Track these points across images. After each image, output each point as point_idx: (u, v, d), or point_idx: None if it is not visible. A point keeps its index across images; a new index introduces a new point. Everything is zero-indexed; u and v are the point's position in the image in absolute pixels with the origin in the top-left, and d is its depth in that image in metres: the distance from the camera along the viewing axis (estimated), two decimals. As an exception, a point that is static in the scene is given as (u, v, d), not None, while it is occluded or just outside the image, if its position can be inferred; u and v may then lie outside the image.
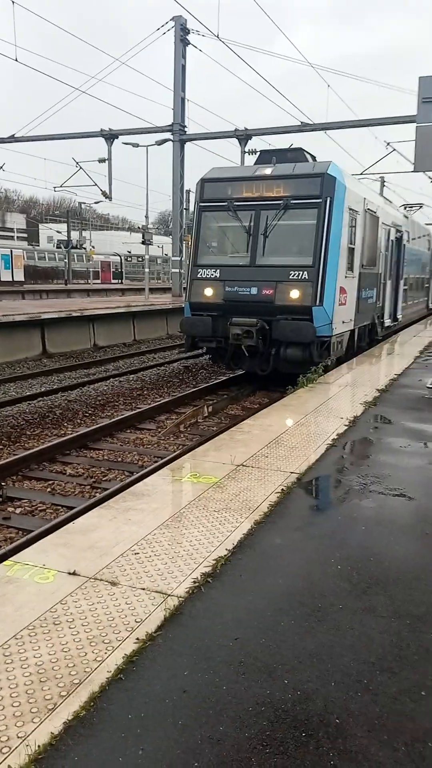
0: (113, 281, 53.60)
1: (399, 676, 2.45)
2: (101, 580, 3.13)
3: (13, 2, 19.63)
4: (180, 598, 2.96)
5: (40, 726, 2.15)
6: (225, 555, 3.40)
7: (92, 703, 2.25)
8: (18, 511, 6.04)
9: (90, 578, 3.15)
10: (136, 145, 26.40)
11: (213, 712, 2.22)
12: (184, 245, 27.47)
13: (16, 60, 20.96)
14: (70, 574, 3.19)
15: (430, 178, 27.12)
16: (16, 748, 2.05)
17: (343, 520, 3.95)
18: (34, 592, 3.01)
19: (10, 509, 6.07)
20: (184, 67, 26.23)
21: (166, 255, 57.10)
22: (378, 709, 2.27)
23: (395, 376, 9.29)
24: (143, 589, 3.05)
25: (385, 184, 33.89)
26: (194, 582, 3.11)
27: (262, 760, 2.01)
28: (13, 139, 28.69)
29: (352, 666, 2.50)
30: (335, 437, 5.88)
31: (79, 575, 3.17)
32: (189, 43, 25.99)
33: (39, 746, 2.05)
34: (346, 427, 6.25)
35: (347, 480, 4.73)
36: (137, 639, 2.63)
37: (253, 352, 10.81)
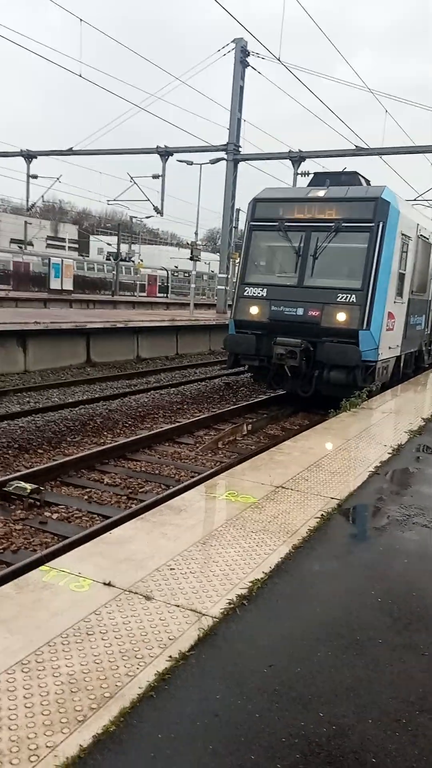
0: (159, 295, 54.23)
1: (440, 720, 2.34)
2: (136, 593, 3.11)
3: (81, 20, 20.28)
4: (214, 619, 2.91)
5: (69, 737, 2.12)
6: (261, 578, 3.34)
7: (122, 719, 2.22)
8: (54, 516, 6.09)
9: (125, 590, 3.13)
10: (190, 163, 26.84)
11: (245, 739, 2.16)
12: (231, 263, 27.63)
13: (81, 76, 21.59)
14: (105, 584, 3.17)
15: None
16: (44, 757, 2.03)
17: (384, 551, 3.84)
18: (68, 599, 3.01)
19: (47, 514, 6.12)
20: (242, 88, 26.56)
21: (212, 272, 57.58)
22: (417, 751, 2.17)
23: (441, 406, 9.07)
24: (177, 606, 3.01)
25: (437, 211, 33.45)
26: (229, 603, 3.06)
27: (293, 796, 1.94)
28: (71, 152, 29.48)
29: (391, 704, 2.40)
30: (378, 465, 5.75)
31: (114, 586, 3.16)
32: (248, 65, 26.34)
33: (67, 758, 2.02)
34: (389, 455, 6.12)
35: (389, 510, 4.61)
36: (170, 657, 2.59)
37: (296, 373, 10.73)
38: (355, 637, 2.83)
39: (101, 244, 69.56)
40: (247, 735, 2.18)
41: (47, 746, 2.08)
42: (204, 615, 2.94)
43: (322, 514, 4.38)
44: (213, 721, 2.24)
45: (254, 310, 11.16)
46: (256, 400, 12.37)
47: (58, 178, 31.73)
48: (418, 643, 2.82)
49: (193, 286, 29.78)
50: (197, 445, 9.11)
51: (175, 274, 60.43)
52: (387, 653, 2.73)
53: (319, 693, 2.43)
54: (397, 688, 2.50)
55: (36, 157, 31.01)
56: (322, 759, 2.10)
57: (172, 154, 27.62)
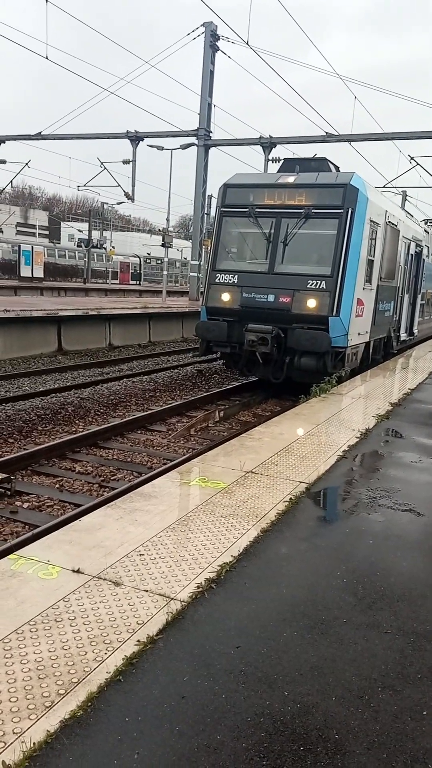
0: (131, 282, 53.81)
1: (401, 694, 2.41)
2: (105, 579, 3.12)
3: (46, 1, 19.82)
4: (183, 603, 2.94)
5: (37, 723, 2.14)
6: (230, 561, 3.38)
7: (90, 704, 2.24)
8: (26, 505, 6.06)
9: (94, 577, 3.14)
10: (161, 148, 26.57)
11: (211, 720, 2.20)
12: (203, 250, 27.53)
13: (47, 58, 21.15)
14: (74, 571, 3.18)
15: (453, 193, 26.98)
16: (11, 744, 2.04)
17: (350, 533, 3.91)
18: (37, 587, 3.00)
19: (18, 503, 6.08)
20: (212, 72, 26.35)
21: (185, 259, 57.30)
22: (378, 726, 2.24)
23: (409, 391, 9.22)
24: (146, 591, 3.03)
25: (407, 198, 33.77)
26: (198, 587, 3.09)
27: (258, 772, 1.98)
28: (39, 136, 28.93)
29: (354, 681, 2.46)
30: (346, 449, 5.84)
31: (83, 573, 3.16)
32: (218, 49, 26.10)
33: (35, 743, 2.03)
34: (357, 440, 6.21)
35: (356, 492, 4.69)
36: (138, 641, 2.61)
37: (267, 360, 10.79)
38: (320, 617, 2.89)
39: (72, 231, 68.61)
40: (213, 715, 2.22)
41: (14, 732, 2.09)
42: (173, 599, 2.97)
43: (290, 498, 4.43)
44: (180, 703, 2.27)
45: (226, 296, 11.17)
46: (228, 387, 12.41)
47: (26, 164, 31.15)
48: (381, 622, 2.89)
49: (165, 273, 29.62)
50: (170, 432, 9.12)
51: (148, 261, 59.99)
52: (351, 632, 2.79)
53: (285, 672, 2.48)
54: (360, 665, 2.56)
55: (4, 142, 30.40)
56: (286, 737, 2.15)
57: (142, 139, 27.32)
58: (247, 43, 20.85)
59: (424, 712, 2.32)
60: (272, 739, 2.13)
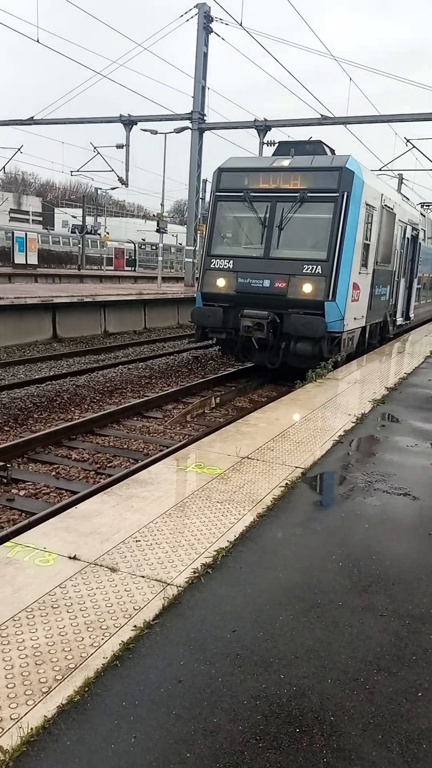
0: (126, 268, 53.56)
1: (396, 676, 2.43)
2: (101, 566, 3.13)
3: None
4: (179, 588, 2.95)
5: (34, 709, 2.15)
6: (226, 546, 3.39)
7: (87, 689, 2.25)
8: (22, 493, 6.06)
9: (90, 563, 3.15)
10: (154, 132, 26.31)
11: (207, 703, 2.21)
12: (198, 235, 27.37)
13: (38, 41, 20.86)
14: (70, 558, 3.18)
15: (449, 176, 26.82)
16: (8, 729, 2.05)
17: (346, 517, 3.93)
18: (33, 574, 3.01)
19: (15, 491, 6.09)
20: (206, 55, 26.02)
21: (180, 244, 56.97)
22: (374, 708, 2.26)
23: (405, 375, 9.23)
24: (143, 576, 3.04)
25: (403, 181, 33.57)
26: (194, 572, 3.10)
27: (254, 754, 2.00)
28: (32, 121, 28.61)
29: (350, 664, 2.48)
30: (342, 434, 5.84)
31: (79, 560, 3.17)
32: (212, 31, 25.77)
33: (32, 729, 2.04)
34: (353, 424, 6.21)
35: (352, 477, 4.70)
36: (135, 626, 2.62)
37: (263, 345, 10.77)
38: (316, 601, 2.91)
39: (66, 217, 68.11)
40: (209, 699, 2.23)
41: (11, 718, 2.10)
42: (169, 584, 2.98)
43: (286, 483, 4.44)
44: (176, 687, 2.28)
45: (221, 282, 11.11)
46: (224, 373, 12.39)
47: (19, 149, 30.85)
48: (376, 605, 2.91)
49: (160, 259, 29.47)
50: (166, 419, 9.12)
51: (143, 247, 59.64)
52: (346, 615, 2.81)
53: (281, 656, 2.50)
54: (355, 648, 2.58)
55: (-5, 127, 30.03)
56: (282, 719, 2.17)
57: (136, 123, 27.02)
58: (241, 25, 20.59)
59: (419, 694, 2.34)
60: (268, 721, 2.15)
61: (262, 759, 1.98)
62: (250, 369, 12.42)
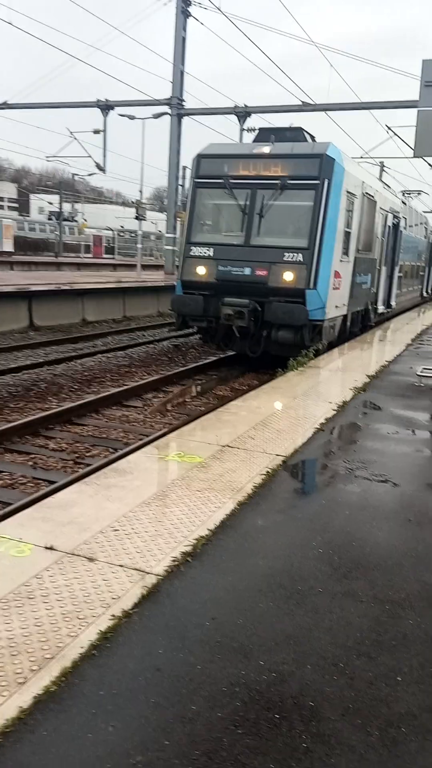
0: (105, 256, 53.00)
1: (376, 661, 2.43)
2: (79, 555, 3.08)
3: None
4: (158, 577, 2.92)
5: (9, 700, 2.11)
6: (206, 535, 3.37)
7: (64, 679, 2.21)
8: (-1, 483, 5.97)
9: (67, 553, 3.10)
10: (132, 118, 25.96)
11: (186, 691, 2.19)
12: (178, 222, 27.16)
13: (11, 24, 20.41)
14: (47, 548, 3.13)
15: (429, 164, 26.94)
16: (-17, 721, 2.00)
17: (326, 504, 3.93)
18: (9, 565, 2.95)
19: (-9, 481, 5.99)
20: (184, 39, 25.68)
21: (159, 231, 56.51)
22: (353, 693, 2.25)
23: (386, 363, 9.27)
24: (121, 566, 3.00)
25: (384, 168, 33.64)
26: (174, 561, 3.07)
27: (233, 741, 1.98)
28: (6, 105, 28.07)
29: (329, 649, 2.48)
30: (323, 421, 5.85)
31: (56, 550, 3.12)
32: (190, 15, 25.43)
33: (7, 720, 2.01)
34: (334, 412, 6.22)
35: (333, 464, 4.71)
36: (113, 616, 2.59)
37: (245, 334, 10.73)
38: (296, 588, 2.90)
39: (43, 204, 67.05)
40: (188, 686, 2.21)
41: (-14, 710, 2.05)
42: (148, 573, 2.95)
43: (267, 471, 4.43)
44: (155, 676, 2.25)
45: (201, 270, 11.03)
46: (205, 362, 12.34)
47: (-7, 134, 30.25)
48: (356, 590, 2.91)
49: (140, 246, 29.20)
50: (146, 407, 9.06)
51: (122, 234, 59.03)
52: (327, 601, 2.80)
53: (260, 642, 2.48)
54: (335, 634, 2.57)
55: (-31, 111, 29.40)
56: (261, 705, 2.15)
57: (113, 108, 26.64)
58: (220, 9, 20.36)
59: (399, 678, 2.34)
60: (248, 708, 2.13)
61: (240, 745, 1.97)
62: (232, 357, 12.39)
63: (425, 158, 19.89)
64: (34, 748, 1.91)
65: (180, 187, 27.96)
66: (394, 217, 15.78)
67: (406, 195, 22.51)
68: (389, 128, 24.75)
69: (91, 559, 3.05)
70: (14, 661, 2.30)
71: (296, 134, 11.47)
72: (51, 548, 3.14)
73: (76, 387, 10.11)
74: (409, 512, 3.87)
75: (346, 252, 11.37)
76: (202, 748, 1.95)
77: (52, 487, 5.60)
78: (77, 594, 2.74)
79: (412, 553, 3.31)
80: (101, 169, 27.98)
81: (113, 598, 2.72)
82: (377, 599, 2.85)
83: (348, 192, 10.98)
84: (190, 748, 1.94)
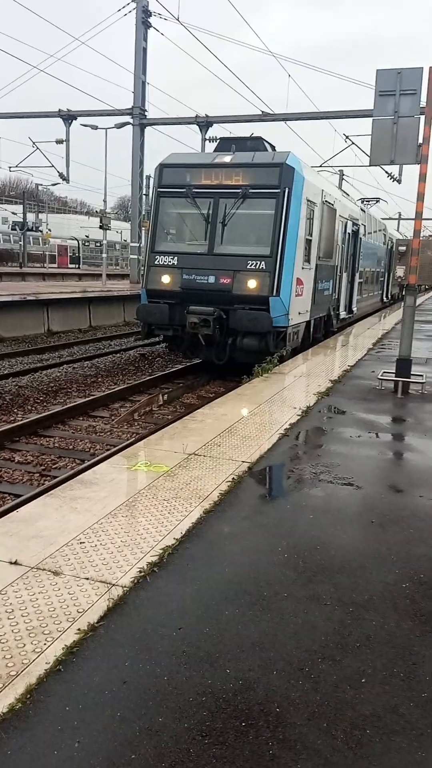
0: (70, 266, 52.58)
1: (340, 664, 2.46)
2: (44, 569, 3.05)
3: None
4: (124, 588, 2.91)
5: (-27, 721, 2.07)
6: (173, 544, 3.37)
7: (29, 696, 2.19)
8: (-37, 498, 5.86)
9: (32, 568, 3.07)
10: (95, 128, 25.89)
11: (153, 703, 2.19)
12: (143, 231, 27.13)
13: (-29, 32, 20.17)
14: (11, 563, 3.09)
15: (386, 172, 27.49)
16: None
17: (291, 509, 3.96)
18: (-28, 582, 2.91)
19: None
20: (145, 50, 25.79)
21: (125, 241, 56.33)
22: (319, 696, 2.28)
23: (348, 368, 9.41)
24: (87, 578, 2.99)
25: (343, 177, 34.20)
26: (140, 571, 3.06)
27: (200, 751, 1.99)
28: (-34, 115, 27.70)
29: (295, 654, 2.50)
30: (288, 427, 5.90)
31: (20, 565, 3.09)
32: (150, 26, 25.55)
33: (-30, 741, 1.97)
34: (299, 417, 6.29)
35: (298, 469, 4.76)
36: (78, 629, 2.57)
37: (210, 341, 10.77)
38: (261, 593, 2.92)
39: (6, 214, 66.20)
40: (155, 698, 2.21)
41: None
42: (114, 585, 2.93)
43: (233, 478, 4.45)
44: (121, 689, 2.25)
45: (166, 279, 11.05)
46: (171, 370, 12.34)
47: None
48: (321, 594, 2.94)
49: (104, 255, 29.09)
50: (113, 417, 9.01)
51: (87, 243, 58.70)
52: (292, 606, 2.83)
53: (226, 650, 2.49)
54: (300, 638, 2.60)
55: None
56: (228, 714, 2.16)
57: (75, 118, 26.55)
58: (178, 20, 20.50)
59: (363, 680, 2.38)
60: (214, 717, 2.14)
61: (207, 755, 1.97)
62: (198, 365, 12.41)
63: (382, 166, 20.31)
64: (-1, 768, 1.88)
65: (144, 197, 27.95)
66: (354, 224, 16.06)
67: (365, 203, 22.92)
68: (347, 137, 25.20)
69: (56, 573, 3.02)
70: (-23, 680, 2.26)
71: (257, 144, 11.60)
72: (15, 563, 3.10)
73: (42, 398, 9.99)
74: (371, 514, 3.94)
75: (307, 259, 11.53)
76: (169, 761, 1.95)
77: (17, 501, 5.53)
78: (42, 609, 2.71)
79: (375, 555, 3.37)
80: (65, 178, 27.80)
81: (79, 612, 2.70)
82: (341, 602, 2.89)
83: (308, 200, 11.15)
84: (157, 761, 1.94)
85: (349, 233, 15.45)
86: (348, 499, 4.20)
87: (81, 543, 3.36)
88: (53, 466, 6.83)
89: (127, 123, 25.88)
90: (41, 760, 1.92)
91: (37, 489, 5.93)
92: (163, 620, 2.67)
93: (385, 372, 8.30)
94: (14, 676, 2.29)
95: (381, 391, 7.86)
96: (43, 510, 3.80)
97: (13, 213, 58.89)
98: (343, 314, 15.77)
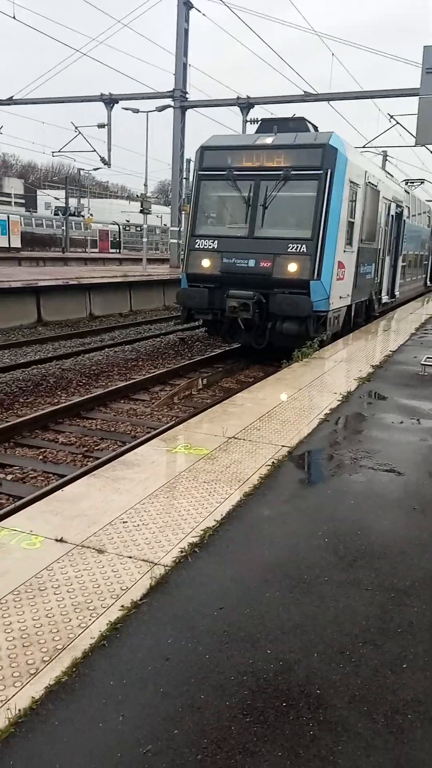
0: (111, 250, 53.01)
1: (381, 649, 2.46)
2: (88, 547, 3.13)
3: (11, -43, 19.00)
4: (166, 567, 2.95)
5: (22, 690, 2.15)
6: (213, 525, 3.40)
7: (74, 669, 2.26)
8: (9, 477, 6.03)
9: (77, 545, 3.14)
10: (136, 111, 25.90)
11: (195, 680, 2.23)
12: (183, 215, 27.11)
13: (14, 18, 20.37)
14: (57, 540, 3.18)
15: (433, 152, 26.69)
16: (-4, 711, 2.05)
17: (332, 494, 3.95)
18: (20, 557, 3.00)
19: (1, 476, 6.06)
20: (186, 31, 25.58)
21: (165, 225, 56.39)
22: (359, 680, 2.28)
23: (390, 353, 9.25)
24: (130, 557, 3.04)
25: (387, 158, 33.40)
26: (181, 551, 3.11)
27: (242, 729, 2.02)
28: (11, 101, 28.05)
29: (335, 638, 2.51)
30: (328, 412, 5.86)
31: (66, 542, 3.17)
32: (192, 7, 25.29)
33: (20, 710, 2.05)
34: (339, 402, 6.23)
35: (338, 454, 4.73)
36: (122, 606, 2.63)
37: (250, 326, 10.73)
38: (302, 577, 2.93)
39: (49, 199, 67.00)
40: (197, 676, 2.25)
41: (-1, 700, 2.10)
42: (156, 564, 2.99)
43: (273, 462, 4.45)
44: (164, 665, 2.29)
45: (206, 262, 11.03)
46: (210, 355, 12.36)
47: (-2, 129, 30.26)
48: (361, 579, 2.93)
49: (145, 240, 29.20)
50: (153, 401, 9.10)
51: (127, 228, 59.02)
52: (332, 590, 2.83)
53: (267, 632, 2.52)
54: (341, 622, 2.60)
55: (-27, 107, 29.40)
56: (269, 694, 2.19)
57: (117, 102, 26.59)
58: (222, 1, 20.21)
59: (404, 665, 2.37)
60: (255, 696, 2.17)
61: (248, 733, 2.00)
62: (237, 350, 12.40)
63: (428, 146, 19.73)
64: (46, 738, 1.95)
65: (184, 180, 27.89)
66: (397, 206, 15.69)
67: (409, 184, 22.35)
68: (392, 116, 24.57)
69: (100, 551, 3.09)
70: (26, 652, 2.34)
71: (299, 124, 11.41)
72: (61, 540, 3.18)
73: (84, 381, 10.16)
74: (413, 501, 3.89)
75: (349, 242, 11.34)
76: (210, 737, 1.98)
77: (62, 480, 5.66)
78: (87, 585, 2.78)
79: (416, 541, 3.34)
80: (106, 163, 27.94)
81: (122, 590, 2.76)
82: (382, 587, 2.88)
83: (351, 182, 10.93)
84: (199, 736, 1.98)
85: (392, 215, 15.11)
86: (389, 485, 4.16)
87: (124, 522, 3.42)
88: (96, 448, 6.96)
89: (168, 106, 25.79)
90: (87, 732, 1.98)
91: (80, 469, 6.05)
92: (204, 600, 2.71)
93: (428, 357, 8.14)
94: (60, 650, 2.36)
95: (423, 377, 7.71)
96: (86, 490, 3.88)
97: (56, 198, 59.60)
98: (385, 299, 15.48)
